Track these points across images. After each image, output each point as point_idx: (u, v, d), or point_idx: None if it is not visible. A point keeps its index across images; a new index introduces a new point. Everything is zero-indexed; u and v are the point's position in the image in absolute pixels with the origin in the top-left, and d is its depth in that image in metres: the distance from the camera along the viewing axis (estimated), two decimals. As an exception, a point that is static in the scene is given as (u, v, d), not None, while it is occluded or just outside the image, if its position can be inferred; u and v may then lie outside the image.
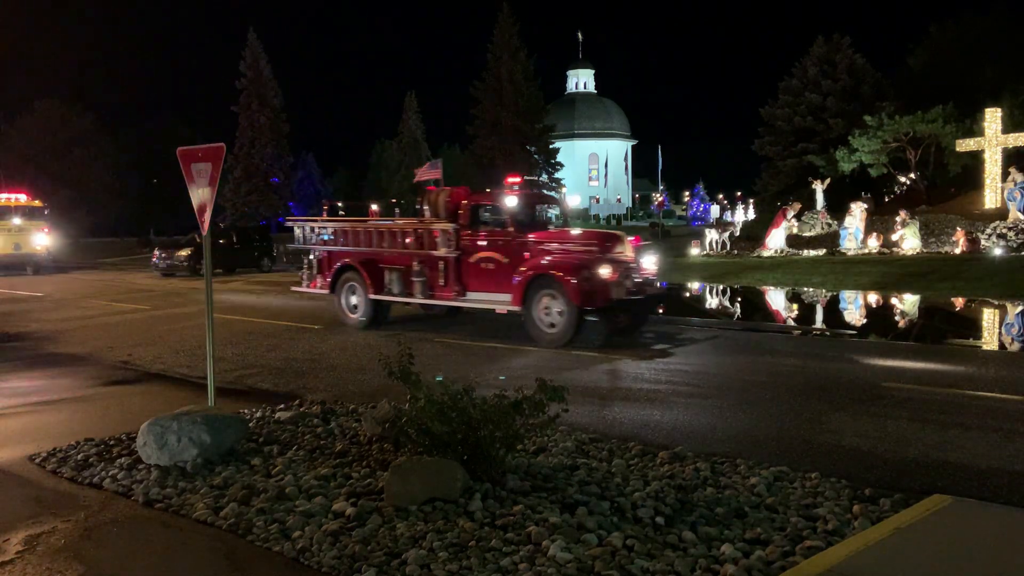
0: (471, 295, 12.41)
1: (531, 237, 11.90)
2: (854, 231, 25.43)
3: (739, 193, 63.66)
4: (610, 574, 3.85)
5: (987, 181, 25.76)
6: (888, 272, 19.79)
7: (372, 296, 13.18)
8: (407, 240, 12.97)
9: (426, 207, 13.15)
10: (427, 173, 16.27)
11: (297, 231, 14.88)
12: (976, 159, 27.18)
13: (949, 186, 32.76)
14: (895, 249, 23.97)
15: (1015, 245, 21.71)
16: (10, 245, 30.18)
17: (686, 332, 12.68)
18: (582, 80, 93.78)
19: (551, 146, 62.95)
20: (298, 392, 8.56)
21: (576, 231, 12.54)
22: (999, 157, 25.54)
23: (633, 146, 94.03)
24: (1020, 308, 14.52)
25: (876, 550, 3.95)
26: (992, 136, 25.80)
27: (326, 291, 14.13)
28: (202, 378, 8.26)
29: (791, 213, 28.03)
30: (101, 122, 68.72)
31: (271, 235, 36.55)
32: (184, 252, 28.87)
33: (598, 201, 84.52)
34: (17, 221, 30.59)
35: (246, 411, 7.36)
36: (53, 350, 12.02)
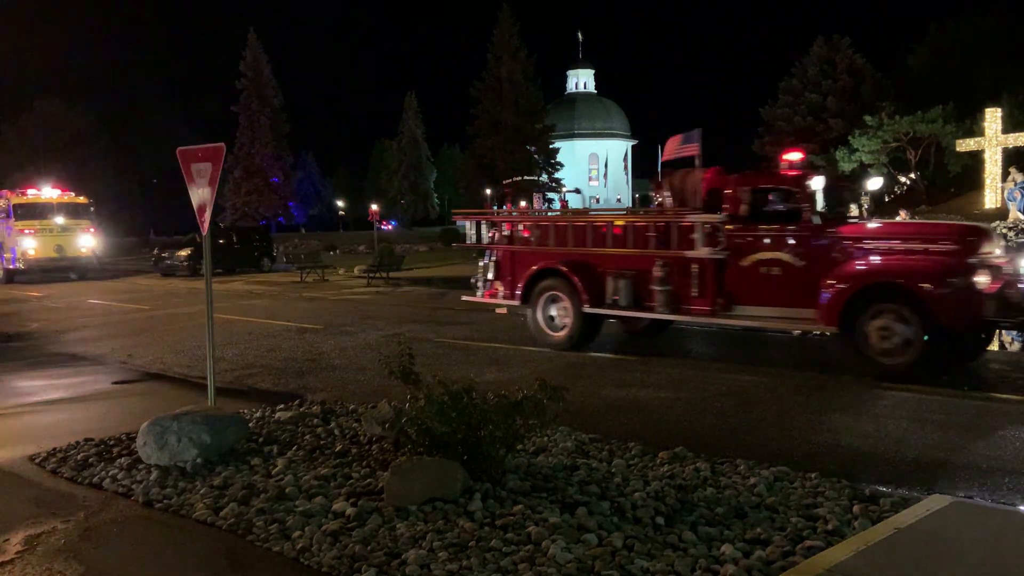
0: (741, 309, 9.55)
1: (842, 232, 9.10)
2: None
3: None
4: (610, 574, 3.85)
5: (987, 181, 25.78)
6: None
7: (588, 309, 10.42)
8: (645, 237, 10.19)
9: (666, 194, 10.56)
10: (681, 149, 12.23)
11: (469, 228, 12.57)
12: (976, 159, 27.21)
13: (949, 186, 32.80)
14: (895, 249, 23.94)
15: (1015, 245, 21.70)
16: (51, 248, 26.07)
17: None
18: (582, 80, 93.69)
19: (551, 146, 62.99)
20: (298, 392, 8.56)
21: (912, 222, 9.60)
22: (999, 157, 25.56)
23: (633, 146, 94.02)
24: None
25: (876, 550, 3.95)
26: (992, 136, 25.82)
27: (511, 301, 11.62)
28: (202, 378, 8.26)
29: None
30: (101, 122, 68.75)
31: (271, 235, 36.56)
32: (184, 252, 28.88)
33: (598, 201, 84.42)
34: (60, 220, 26.53)
35: (246, 411, 7.36)
36: (53, 350, 12.02)
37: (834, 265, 8.85)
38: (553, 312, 10.98)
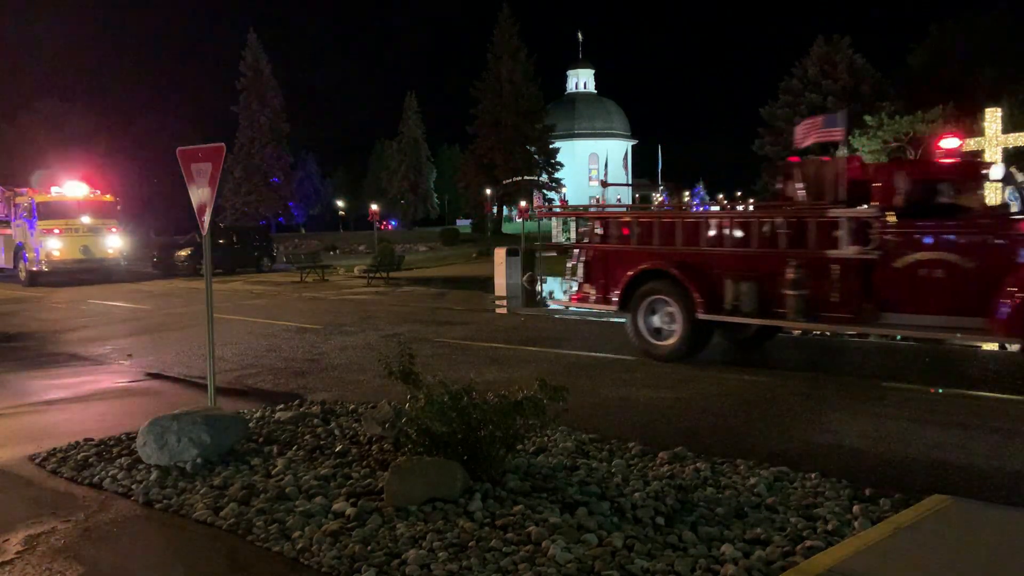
0: (893, 317, 8.46)
1: None
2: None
3: (739, 193, 63.68)
4: (610, 574, 3.85)
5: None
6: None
7: (702, 316, 9.34)
8: (775, 235, 9.05)
9: (798, 186, 9.51)
10: (822, 133, 10.27)
11: (554, 227, 11.48)
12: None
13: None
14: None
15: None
16: (76, 249, 24.48)
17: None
18: (582, 80, 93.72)
19: (551, 146, 62.97)
20: (298, 392, 8.56)
21: None
22: (999, 157, 25.48)
23: (633, 146, 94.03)
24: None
25: (876, 550, 3.95)
26: (992, 136, 25.73)
27: (605, 306, 10.55)
28: (202, 378, 8.27)
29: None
30: (101, 122, 68.74)
31: (271, 235, 36.55)
32: (184, 252, 28.87)
33: (598, 201, 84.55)
34: (85, 220, 24.91)
35: (246, 411, 7.36)
36: (53, 350, 12.02)
37: (1011, 268, 7.79)
38: (657, 319, 9.91)
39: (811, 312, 8.69)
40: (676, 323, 9.67)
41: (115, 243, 25.51)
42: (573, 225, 11.26)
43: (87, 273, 24.79)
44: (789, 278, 8.67)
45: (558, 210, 11.42)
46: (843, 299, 8.53)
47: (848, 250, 8.45)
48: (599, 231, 10.76)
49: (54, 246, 24.09)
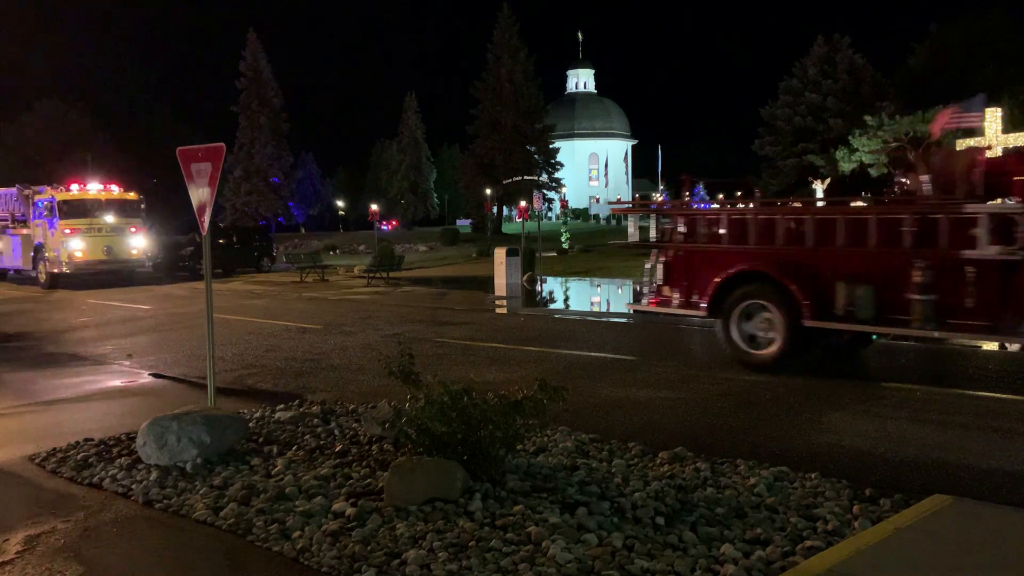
0: None
1: None
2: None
3: (739, 193, 63.71)
4: (610, 574, 3.85)
5: (987, 181, 25.75)
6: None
7: (809, 323, 8.46)
8: (897, 232, 8.14)
9: (923, 179, 8.92)
10: (960, 118, 9.11)
11: (631, 225, 10.11)
12: (976, 159, 27.17)
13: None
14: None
15: (1015, 245, 21.69)
16: (99, 250, 23.24)
17: None
18: (582, 80, 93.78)
19: (551, 146, 62.93)
20: (298, 392, 8.56)
21: None
22: (999, 157, 25.54)
23: (633, 146, 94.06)
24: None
25: (876, 550, 3.95)
26: (992, 136, 25.73)
27: (691, 311, 9.68)
28: (202, 378, 8.26)
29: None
30: (101, 122, 68.75)
31: (271, 235, 36.52)
32: (183, 252, 28.85)
33: (598, 201, 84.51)
34: (109, 219, 23.63)
35: (246, 411, 7.36)
36: (53, 350, 12.02)
37: None
38: (753, 324, 9.05)
39: (941, 319, 7.85)
40: (775, 330, 8.81)
41: (139, 243, 24.20)
42: (646, 220, 10.09)
43: (110, 275, 23.82)
44: (916, 281, 7.79)
45: (632, 205, 9.85)
46: (979, 305, 7.63)
47: (989, 250, 7.53)
48: (683, 229, 9.83)
49: (76, 246, 22.77)
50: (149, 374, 9.91)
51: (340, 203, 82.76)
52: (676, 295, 9.74)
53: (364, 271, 25.58)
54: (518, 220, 34.36)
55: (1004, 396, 7.78)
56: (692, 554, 4.10)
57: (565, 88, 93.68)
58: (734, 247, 9.33)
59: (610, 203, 37.15)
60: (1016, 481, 5.31)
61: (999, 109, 26.46)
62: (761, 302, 8.93)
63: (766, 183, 45.79)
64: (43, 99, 65.07)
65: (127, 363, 10.76)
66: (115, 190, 24.60)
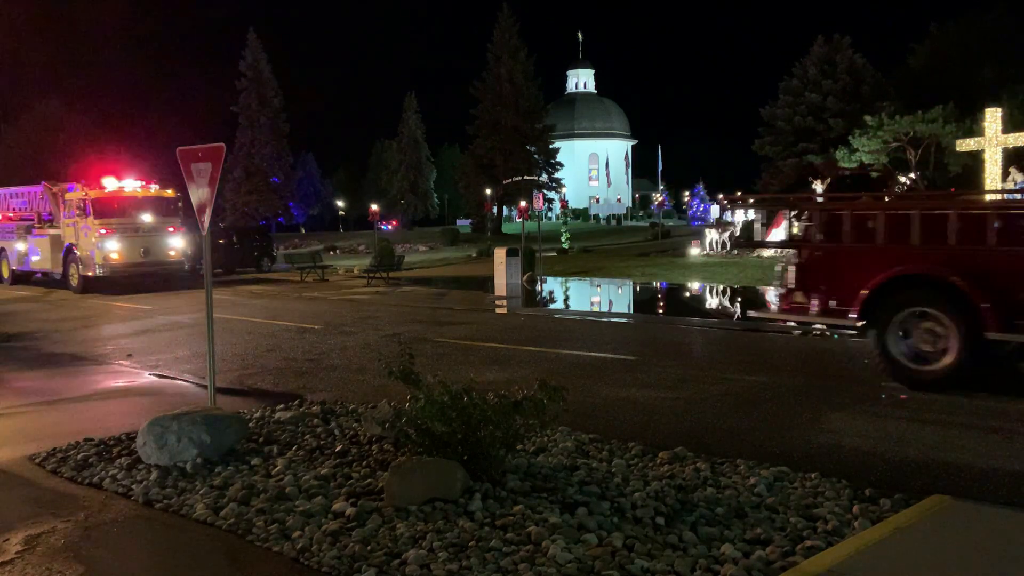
0: None
1: None
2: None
3: (739, 193, 63.73)
4: (610, 574, 3.85)
5: (987, 181, 25.74)
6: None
7: (995, 335, 7.44)
8: None
9: None
10: None
11: (758, 219, 9.36)
12: (976, 159, 27.20)
13: (949, 186, 32.79)
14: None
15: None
16: (136, 251, 21.54)
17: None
18: (582, 80, 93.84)
19: (551, 146, 62.96)
20: (298, 392, 8.56)
21: None
22: (999, 157, 25.52)
23: (633, 146, 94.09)
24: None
25: (876, 550, 3.95)
26: (992, 136, 25.78)
27: (835, 319, 8.57)
28: (202, 378, 8.26)
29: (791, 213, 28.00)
30: (101, 122, 68.74)
31: (271, 235, 36.50)
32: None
33: (598, 201, 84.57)
34: (147, 218, 21.97)
35: (246, 411, 7.36)
36: (53, 350, 12.02)
37: None
38: (916, 336, 7.98)
39: None
40: (946, 342, 7.73)
41: (177, 244, 22.47)
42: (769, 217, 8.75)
43: (146, 278, 22.32)
44: None
45: (761, 199, 8.58)
46: None
47: None
48: (825, 226, 8.64)
49: (112, 248, 21.07)
50: (148, 374, 9.92)
51: (340, 203, 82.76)
52: (815, 301, 8.57)
53: (364, 271, 25.56)
54: (518, 220, 34.36)
55: (1004, 396, 7.78)
56: (692, 554, 4.10)
57: (565, 88, 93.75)
58: (892, 246, 8.11)
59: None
60: (1016, 481, 5.31)
61: (999, 109, 26.49)
62: (928, 310, 7.83)
63: (766, 183, 45.76)
64: (43, 99, 65.04)
65: (127, 362, 10.76)
66: (152, 187, 22.79)
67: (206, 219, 7.25)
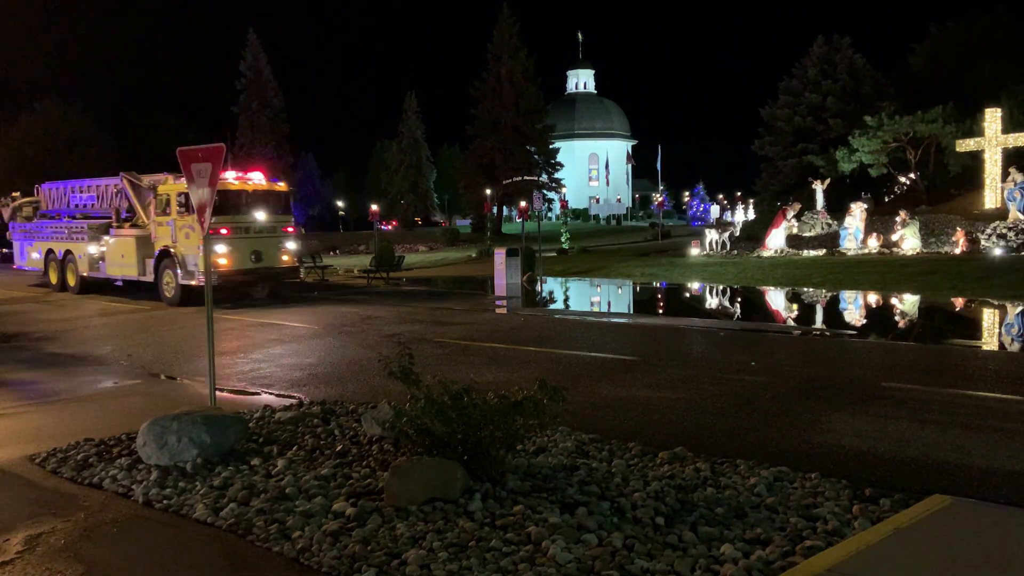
0: None
1: None
2: (854, 231, 25.45)
3: (739, 193, 63.72)
4: (610, 574, 3.85)
5: (987, 181, 25.75)
6: (888, 272, 19.79)
7: None
8: None
9: None
10: None
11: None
12: (976, 159, 27.18)
13: (949, 186, 32.76)
14: (895, 249, 23.98)
15: (1015, 245, 21.71)
16: (246, 256, 17.90)
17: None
18: (582, 80, 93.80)
19: (551, 146, 62.87)
20: (298, 392, 8.56)
21: None
22: (999, 157, 25.54)
23: (633, 146, 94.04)
24: (1020, 308, 14.52)
25: (876, 550, 3.95)
26: (992, 136, 25.80)
27: None
28: (202, 378, 8.26)
29: (791, 213, 28.05)
30: (101, 122, 68.74)
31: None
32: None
33: (598, 201, 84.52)
34: (260, 216, 18.32)
35: (246, 411, 7.36)
36: (53, 350, 12.02)
37: None
38: None
39: None
40: None
41: (292, 247, 19.10)
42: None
43: (255, 287, 19.16)
44: None
45: None
46: None
47: None
48: None
49: (221, 252, 17.46)
50: (148, 374, 9.92)
51: (340, 203, 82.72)
52: None
53: (364, 271, 25.55)
54: (518, 220, 34.35)
55: (1004, 396, 7.78)
56: (692, 554, 4.10)
57: (565, 88, 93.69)
58: None
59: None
60: (1016, 481, 5.31)
61: (999, 109, 26.49)
62: None
63: (766, 183, 45.71)
64: (43, 99, 65.04)
65: (127, 363, 10.75)
66: (262, 180, 19.20)
67: (207, 219, 7.26)
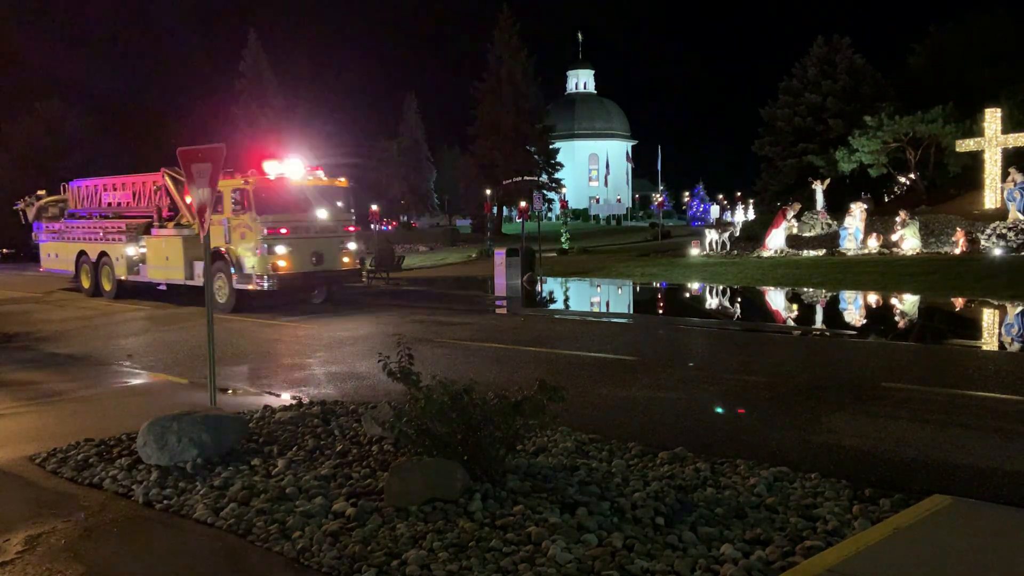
0: None
1: None
2: (854, 231, 25.44)
3: (739, 193, 63.69)
4: (610, 574, 3.85)
5: (987, 181, 25.74)
6: (888, 272, 19.79)
7: None
8: None
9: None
10: None
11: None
12: (976, 159, 27.17)
13: (949, 186, 32.76)
14: (895, 249, 23.97)
15: (1015, 245, 21.70)
16: (306, 258, 16.60)
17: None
18: (582, 80, 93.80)
19: (551, 146, 62.90)
20: (298, 392, 8.56)
21: None
22: (999, 157, 25.53)
23: (633, 146, 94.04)
24: (1020, 308, 14.52)
25: (876, 550, 3.95)
26: (992, 136, 25.80)
27: None
28: (202, 378, 8.27)
29: (791, 213, 28.05)
30: (101, 122, 68.71)
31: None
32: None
33: (598, 201, 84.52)
34: (322, 215, 17.06)
35: (246, 411, 7.36)
36: (53, 350, 12.02)
37: None
38: None
39: None
40: None
41: (352, 247, 17.86)
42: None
43: (313, 291, 18.04)
44: None
45: None
46: None
47: None
48: None
49: (280, 253, 16.14)
50: (148, 374, 9.92)
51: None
52: None
53: (364, 272, 25.52)
54: (518, 220, 34.35)
55: (1004, 396, 7.78)
56: (692, 554, 4.10)
57: (565, 89, 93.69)
58: None
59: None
60: (1016, 481, 5.31)
61: (999, 109, 26.49)
62: None
63: (766, 183, 45.69)
64: (43, 99, 65.04)
65: (127, 363, 10.76)
66: (322, 175, 17.86)
67: (207, 219, 7.26)
